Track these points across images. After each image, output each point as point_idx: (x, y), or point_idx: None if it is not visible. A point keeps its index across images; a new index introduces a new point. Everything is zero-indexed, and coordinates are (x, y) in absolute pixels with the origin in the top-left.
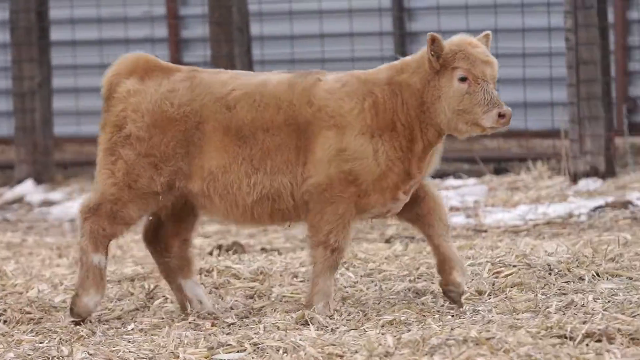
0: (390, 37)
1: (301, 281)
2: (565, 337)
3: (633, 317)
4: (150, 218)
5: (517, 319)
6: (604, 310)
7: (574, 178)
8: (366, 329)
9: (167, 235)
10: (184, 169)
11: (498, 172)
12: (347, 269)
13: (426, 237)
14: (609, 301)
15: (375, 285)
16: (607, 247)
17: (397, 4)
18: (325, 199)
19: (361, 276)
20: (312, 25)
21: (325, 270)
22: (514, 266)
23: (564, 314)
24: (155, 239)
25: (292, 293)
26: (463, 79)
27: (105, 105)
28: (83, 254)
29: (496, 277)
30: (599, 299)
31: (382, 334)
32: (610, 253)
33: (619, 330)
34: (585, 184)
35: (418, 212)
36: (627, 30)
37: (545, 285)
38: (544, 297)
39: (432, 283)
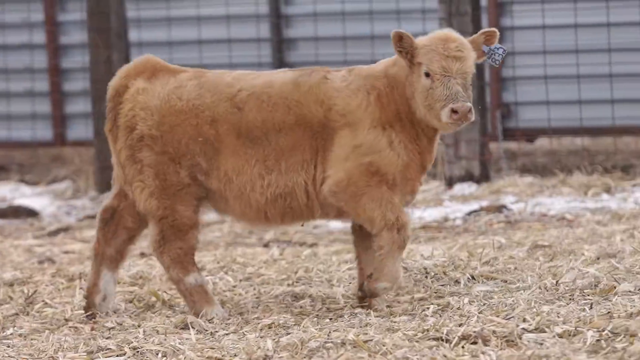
0: (268, 44)
1: None
2: (442, 340)
3: (508, 319)
4: (113, 201)
5: (394, 322)
6: (479, 312)
7: (450, 182)
8: (245, 333)
9: (119, 224)
10: (202, 165)
11: None
12: (226, 273)
13: (355, 248)
14: (484, 304)
15: (254, 289)
16: (482, 251)
17: (274, 10)
18: (354, 194)
19: (240, 280)
20: (191, 31)
21: (392, 252)
22: None
23: (440, 316)
24: (109, 221)
25: (172, 298)
26: (427, 75)
27: (111, 105)
28: (178, 284)
29: None
30: (474, 301)
31: (261, 337)
32: (485, 256)
33: (494, 332)
34: (460, 188)
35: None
36: (500, 37)
37: (422, 287)
38: (420, 300)
39: (310, 287)
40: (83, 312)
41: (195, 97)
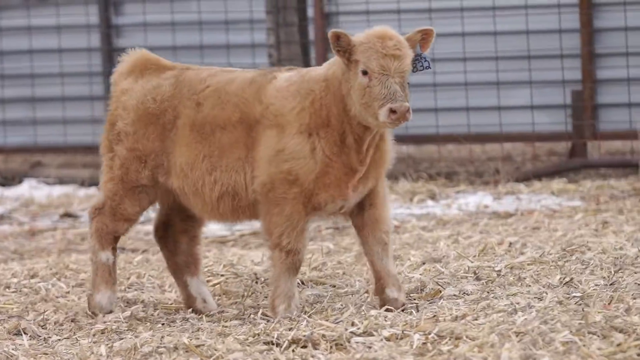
0: (99, 53)
1: (13, 291)
2: (273, 344)
3: (337, 323)
4: (161, 216)
5: (226, 327)
6: (309, 317)
7: None
8: (79, 338)
9: (175, 232)
10: (164, 164)
11: None
12: (59, 279)
13: (363, 251)
14: (313, 308)
15: (87, 295)
16: (312, 256)
17: (104, 20)
18: (271, 200)
19: (72, 286)
20: (21, 41)
21: (283, 273)
22: (222, 275)
23: (271, 321)
24: (165, 235)
25: (4, 304)
26: (364, 72)
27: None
28: (92, 252)
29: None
30: (304, 306)
31: (95, 342)
32: (314, 262)
33: (323, 336)
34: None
35: (358, 223)
36: (326, 47)
37: (252, 293)
38: (251, 305)
39: (143, 292)
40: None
41: (167, 97)
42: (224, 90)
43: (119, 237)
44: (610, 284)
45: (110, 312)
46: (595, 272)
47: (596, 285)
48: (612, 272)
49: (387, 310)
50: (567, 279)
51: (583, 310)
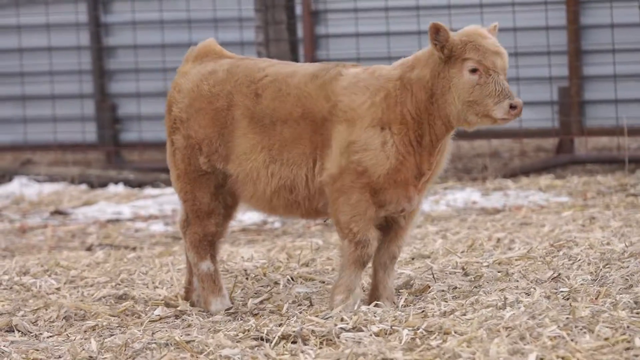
0: (88, 51)
1: (4, 289)
2: (262, 339)
3: (326, 319)
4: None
5: (216, 323)
6: (299, 313)
7: None
8: (70, 335)
9: None
10: (220, 151)
11: None
12: (50, 276)
13: (373, 259)
14: (303, 304)
15: (78, 291)
16: (301, 253)
17: (93, 19)
18: (337, 189)
19: (64, 283)
20: (11, 40)
21: (350, 265)
22: None
23: (261, 316)
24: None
25: None
26: (474, 70)
27: None
28: (194, 266)
29: None
30: (294, 302)
31: (86, 339)
32: (303, 258)
33: (312, 331)
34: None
35: (380, 227)
36: (315, 44)
37: (242, 289)
38: (242, 300)
39: (133, 289)
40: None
41: (221, 81)
42: (285, 82)
43: (213, 241)
44: (598, 279)
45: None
46: (582, 268)
47: (583, 280)
48: (599, 267)
49: (376, 305)
50: (555, 275)
51: (571, 305)
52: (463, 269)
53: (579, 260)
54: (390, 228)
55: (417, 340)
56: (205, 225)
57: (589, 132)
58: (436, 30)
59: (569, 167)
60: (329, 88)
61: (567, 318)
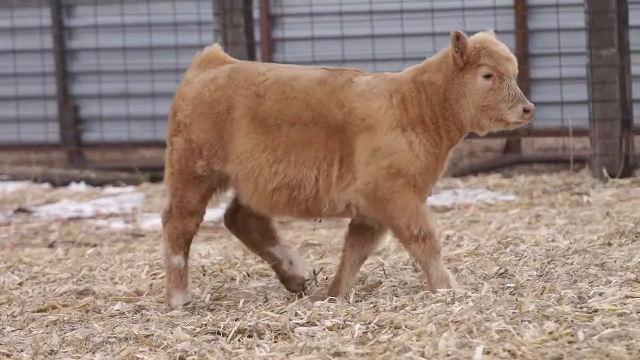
0: (51, 54)
1: None
2: (219, 334)
3: (280, 313)
4: (231, 203)
5: (175, 317)
6: (254, 308)
7: None
8: (32, 329)
9: (243, 216)
10: (219, 153)
11: (154, 180)
12: (12, 272)
13: (343, 251)
14: (259, 299)
15: (40, 287)
16: None
17: (57, 22)
18: (380, 198)
19: (26, 279)
20: None
21: (429, 260)
22: None
23: (218, 311)
24: (233, 221)
25: None
26: (488, 76)
27: None
28: (165, 256)
29: (154, 278)
30: (249, 298)
31: (47, 333)
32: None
33: (268, 326)
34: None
35: (357, 226)
36: (272, 48)
37: (199, 285)
38: (199, 296)
39: (94, 285)
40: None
41: (222, 87)
42: (289, 86)
43: (190, 239)
44: (543, 275)
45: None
46: (528, 264)
47: (529, 276)
48: (545, 264)
49: (330, 301)
50: (502, 270)
51: (517, 300)
52: (413, 265)
53: (525, 256)
54: (367, 230)
55: (369, 334)
56: (187, 223)
57: (535, 133)
58: (457, 38)
59: (516, 166)
60: (341, 95)
61: (514, 312)
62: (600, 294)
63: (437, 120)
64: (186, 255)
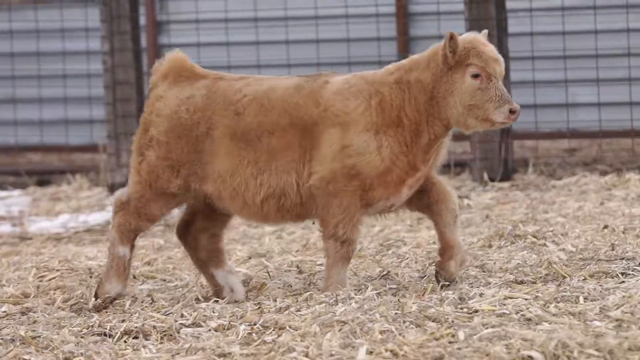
0: None
1: None
2: (106, 335)
3: (166, 315)
4: (184, 215)
5: (61, 319)
6: (141, 309)
7: (112, 189)
8: None
9: (196, 230)
10: (199, 173)
11: (41, 184)
12: None
13: (434, 224)
14: (145, 301)
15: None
16: (144, 252)
17: None
18: (330, 192)
19: None
20: None
21: (337, 262)
22: (57, 270)
23: (105, 313)
24: (185, 233)
25: None
26: (476, 76)
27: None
28: (111, 244)
29: (41, 281)
30: (136, 299)
31: None
32: (146, 257)
33: (154, 327)
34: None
35: (427, 201)
36: (158, 54)
37: (87, 287)
38: (86, 298)
39: None
40: None
41: (200, 108)
42: (267, 98)
43: (139, 233)
44: (424, 276)
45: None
46: (410, 265)
47: (411, 277)
48: (426, 265)
49: (216, 302)
50: (385, 272)
51: (399, 301)
52: (297, 267)
53: (407, 258)
54: (430, 193)
55: (254, 335)
56: (141, 224)
57: None
58: (451, 38)
59: None
60: (318, 94)
61: (396, 313)
62: (480, 295)
63: (419, 118)
64: (132, 248)
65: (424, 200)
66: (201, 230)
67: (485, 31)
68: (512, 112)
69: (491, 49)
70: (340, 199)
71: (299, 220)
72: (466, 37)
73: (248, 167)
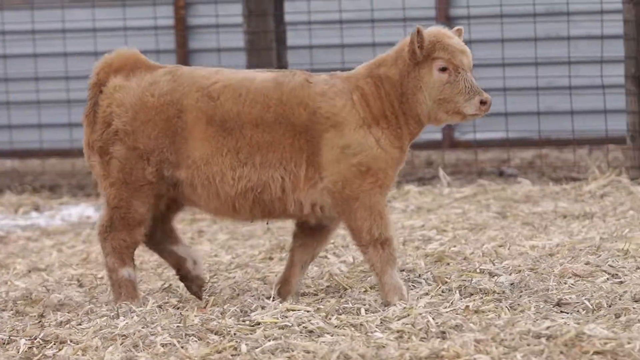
0: None
1: None
2: None
3: None
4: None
5: None
6: None
7: None
8: None
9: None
10: (171, 159)
11: None
12: None
13: (291, 251)
14: None
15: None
16: None
17: None
18: (349, 197)
19: None
20: None
21: (385, 267)
22: None
23: None
24: None
25: None
26: (443, 69)
27: (91, 92)
28: (111, 272)
29: None
30: None
31: None
32: None
33: None
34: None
35: (311, 225)
36: None
37: None
38: None
39: None
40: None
41: (166, 92)
42: (244, 87)
43: (135, 249)
44: (206, 289)
45: None
46: None
47: None
48: (208, 278)
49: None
50: (166, 285)
51: (181, 314)
52: (78, 280)
53: None
54: (321, 229)
55: (34, 349)
56: (134, 234)
57: None
58: (418, 32)
59: None
60: (303, 94)
61: (178, 326)
62: (263, 308)
63: (397, 114)
64: (134, 266)
65: (309, 228)
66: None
67: (461, 28)
68: (482, 102)
69: (457, 41)
70: (361, 200)
71: (269, 217)
72: (431, 30)
73: (227, 157)
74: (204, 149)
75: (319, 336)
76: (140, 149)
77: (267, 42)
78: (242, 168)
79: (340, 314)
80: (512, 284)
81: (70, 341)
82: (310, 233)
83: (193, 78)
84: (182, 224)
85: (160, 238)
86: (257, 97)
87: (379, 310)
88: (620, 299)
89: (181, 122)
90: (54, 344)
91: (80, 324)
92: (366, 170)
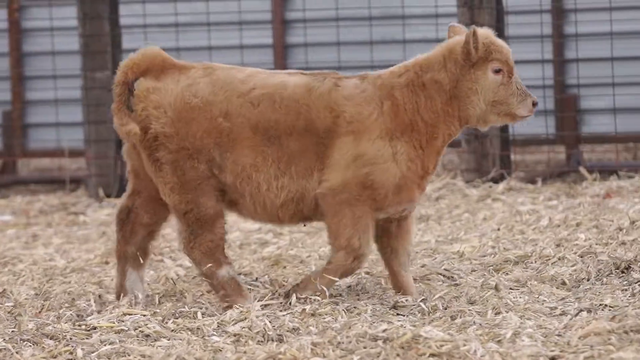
0: None
1: None
2: None
3: None
4: (127, 200)
5: None
6: None
7: None
8: None
9: (138, 223)
10: (217, 160)
11: None
12: None
13: (384, 261)
14: None
15: None
16: None
17: None
18: (341, 201)
19: None
20: None
21: (335, 273)
22: None
23: None
24: (126, 220)
25: None
26: (498, 71)
27: (119, 89)
28: (210, 278)
29: None
30: None
31: None
32: None
33: None
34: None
35: (388, 230)
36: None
37: None
38: None
39: None
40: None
41: (209, 93)
42: (278, 95)
43: (224, 243)
44: (41, 294)
45: None
46: (26, 283)
47: (28, 295)
48: (43, 282)
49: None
50: (1, 290)
51: (16, 318)
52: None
53: (23, 275)
54: (398, 228)
55: None
56: (216, 230)
57: (31, 154)
58: (474, 34)
59: (13, 187)
60: (330, 99)
61: (13, 331)
62: (99, 312)
63: (437, 120)
64: (231, 263)
65: (385, 230)
66: (144, 225)
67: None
68: (534, 104)
69: (504, 43)
70: (352, 209)
71: (309, 221)
72: (482, 32)
73: (272, 167)
74: (253, 156)
75: (155, 340)
76: (188, 149)
77: (102, 45)
78: (283, 178)
79: (177, 318)
80: (349, 287)
81: None
82: (390, 236)
83: (232, 84)
84: (16, 228)
85: (130, 254)
86: (290, 104)
87: (216, 314)
88: (456, 301)
89: (227, 123)
90: None
91: None
92: (370, 184)
